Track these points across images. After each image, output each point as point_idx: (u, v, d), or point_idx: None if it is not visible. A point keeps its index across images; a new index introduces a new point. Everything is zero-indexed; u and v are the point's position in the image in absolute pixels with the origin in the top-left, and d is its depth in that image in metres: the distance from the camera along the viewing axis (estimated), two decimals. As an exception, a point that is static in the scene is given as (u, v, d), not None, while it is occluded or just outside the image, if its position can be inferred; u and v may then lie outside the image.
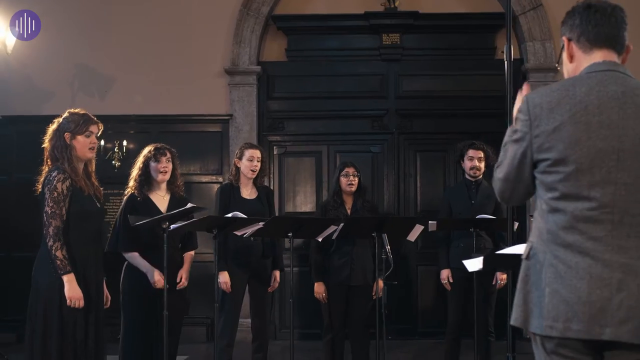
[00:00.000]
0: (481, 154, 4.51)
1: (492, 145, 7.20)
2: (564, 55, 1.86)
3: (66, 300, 3.06)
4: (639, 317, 1.61)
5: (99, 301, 3.25)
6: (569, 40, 1.83)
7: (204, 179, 7.13)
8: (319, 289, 4.32)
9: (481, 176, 4.54)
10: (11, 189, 7.21)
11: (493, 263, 3.14)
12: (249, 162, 4.19)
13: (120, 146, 7.10)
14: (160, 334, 3.66)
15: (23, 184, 7.22)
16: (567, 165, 1.68)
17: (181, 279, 3.89)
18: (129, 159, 7.16)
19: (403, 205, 7.20)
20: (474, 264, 2.99)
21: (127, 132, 7.24)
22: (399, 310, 6.90)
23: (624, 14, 1.80)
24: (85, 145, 3.24)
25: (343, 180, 4.38)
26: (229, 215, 3.68)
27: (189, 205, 3.53)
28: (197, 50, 7.13)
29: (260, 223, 3.71)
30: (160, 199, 3.83)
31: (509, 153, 1.79)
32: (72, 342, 3.07)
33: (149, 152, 3.87)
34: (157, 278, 3.69)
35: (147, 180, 3.81)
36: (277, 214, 4.45)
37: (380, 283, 4.20)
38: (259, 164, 4.23)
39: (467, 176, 4.54)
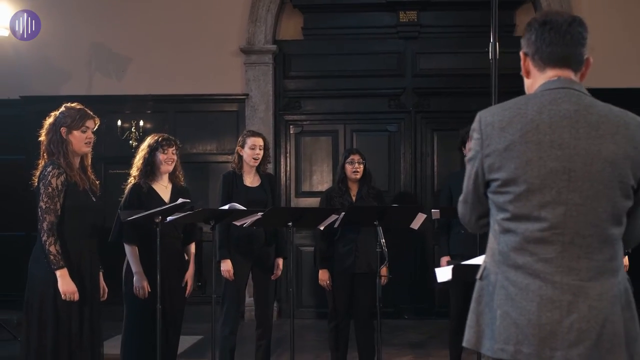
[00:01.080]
0: None
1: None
2: (522, 70, 1.79)
3: (61, 294, 3.06)
4: (589, 340, 1.57)
5: (94, 294, 3.23)
6: (526, 55, 1.76)
7: (220, 158, 7.08)
8: (323, 276, 4.27)
9: None
10: (30, 169, 7.22)
11: (462, 273, 3.07)
12: (251, 150, 4.13)
13: (137, 126, 7.08)
14: (164, 323, 3.66)
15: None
16: (518, 186, 1.63)
17: (186, 283, 3.88)
18: (146, 139, 7.14)
19: (420, 184, 7.11)
20: (443, 274, 2.91)
21: (144, 112, 7.21)
22: (415, 289, 6.85)
23: (582, 28, 1.71)
24: (81, 140, 3.22)
25: (348, 167, 4.30)
26: (226, 207, 3.60)
27: (180, 200, 3.46)
28: (213, 29, 7.05)
29: (259, 213, 3.66)
30: (163, 189, 3.79)
31: (466, 174, 1.75)
32: (67, 335, 3.08)
33: (155, 141, 3.80)
34: (141, 285, 3.64)
35: (151, 170, 3.76)
36: (281, 201, 4.38)
37: (384, 270, 4.16)
38: (261, 152, 4.16)
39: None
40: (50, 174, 3.11)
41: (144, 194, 3.71)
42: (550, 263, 1.60)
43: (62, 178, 3.11)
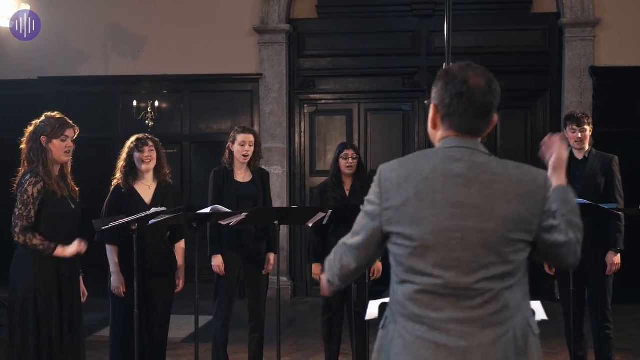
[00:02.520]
0: None
1: (526, 101, 7.01)
2: (429, 121, 1.76)
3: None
4: None
5: (73, 298, 3.28)
6: (435, 107, 1.73)
7: (236, 138, 7.07)
8: (316, 270, 4.19)
9: None
10: (50, 148, 7.28)
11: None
12: (241, 147, 4.07)
13: (153, 106, 7.05)
14: (149, 321, 3.71)
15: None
16: (413, 241, 1.65)
17: (174, 282, 3.89)
18: (161, 119, 7.14)
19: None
20: (371, 311, 2.82)
21: (160, 92, 7.18)
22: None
23: (495, 96, 1.69)
24: (60, 149, 3.25)
25: (342, 162, 4.23)
26: (208, 209, 3.57)
27: (152, 210, 3.44)
28: (227, 9, 6.96)
29: (244, 214, 3.65)
30: (146, 189, 3.78)
31: (362, 222, 1.75)
32: (47, 338, 3.17)
33: (132, 142, 3.80)
34: (117, 285, 3.69)
35: (132, 170, 3.76)
36: (271, 197, 4.33)
37: (378, 264, 4.13)
38: (251, 149, 4.10)
39: None
40: (28, 182, 3.16)
41: (124, 196, 3.74)
42: (444, 313, 1.63)
43: (39, 186, 3.15)
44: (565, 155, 1.92)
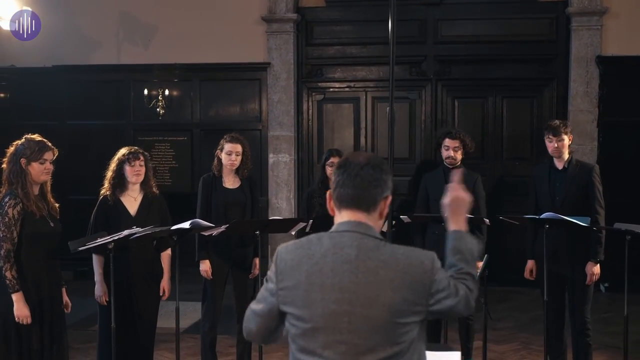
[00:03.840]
0: (457, 143, 4.25)
1: (533, 90, 6.97)
2: (329, 209, 1.82)
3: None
4: None
5: (53, 314, 3.37)
6: (331, 195, 1.80)
7: (244, 126, 7.11)
8: None
9: (459, 163, 4.29)
10: (63, 134, 7.36)
11: None
12: (227, 155, 4.16)
13: (164, 94, 7.10)
14: (135, 328, 3.77)
15: (74, 129, 7.39)
16: (305, 322, 1.69)
17: (164, 291, 3.94)
18: (172, 107, 7.19)
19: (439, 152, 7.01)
20: None
21: (170, 80, 7.22)
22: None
23: (375, 170, 1.72)
24: (39, 171, 3.33)
25: (328, 169, 4.31)
26: (187, 224, 3.61)
27: (126, 232, 3.46)
28: (236, -2, 6.98)
29: (224, 226, 3.74)
30: (132, 201, 3.84)
31: (265, 293, 1.79)
32: (28, 351, 3.28)
33: (123, 155, 3.86)
34: (99, 294, 3.78)
35: (120, 182, 3.83)
36: (259, 202, 4.39)
37: None
38: (238, 158, 4.17)
39: (445, 163, 4.32)
40: (7, 204, 3.24)
41: (110, 207, 3.80)
42: None
43: (18, 208, 3.22)
44: (463, 196, 1.90)
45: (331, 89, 7.14)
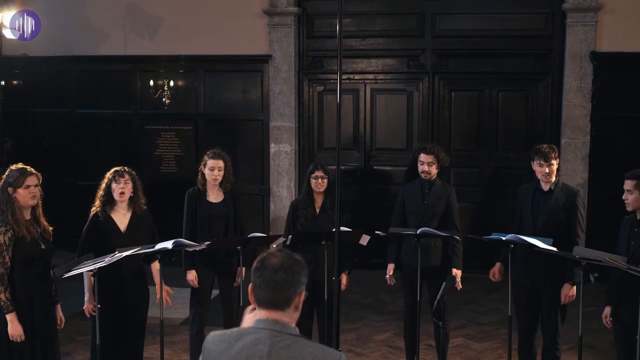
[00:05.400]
0: (431, 158, 4.34)
1: (527, 84, 7.01)
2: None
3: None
4: None
5: (45, 331, 3.54)
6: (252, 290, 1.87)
7: (246, 116, 7.25)
8: None
9: (434, 177, 4.38)
10: (74, 122, 7.53)
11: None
12: (210, 171, 4.33)
13: (169, 85, 7.23)
14: (129, 335, 3.93)
15: (84, 117, 7.55)
16: None
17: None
18: (177, 97, 7.32)
19: (436, 144, 7.10)
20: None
21: (175, 71, 7.34)
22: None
23: (287, 274, 1.79)
24: (26, 196, 3.47)
25: (313, 182, 4.40)
26: (170, 244, 3.74)
27: (107, 258, 3.57)
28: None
29: (206, 243, 3.93)
30: (122, 217, 3.99)
31: None
32: None
33: (110, 174, 4.02)
34: (87, 306, 3.90)
35: (109, 199, 3.98)
36: (242, 215, 4.54)
37: (344, 279, 4.31)
38: (220, 173, 4.33)
39: (421, 176, 4.42)
40: None
41: (101, 223, 3.95)
42: None
43: (9, 234, 3.38)
44: None
45: (331, 81, 7.24)
